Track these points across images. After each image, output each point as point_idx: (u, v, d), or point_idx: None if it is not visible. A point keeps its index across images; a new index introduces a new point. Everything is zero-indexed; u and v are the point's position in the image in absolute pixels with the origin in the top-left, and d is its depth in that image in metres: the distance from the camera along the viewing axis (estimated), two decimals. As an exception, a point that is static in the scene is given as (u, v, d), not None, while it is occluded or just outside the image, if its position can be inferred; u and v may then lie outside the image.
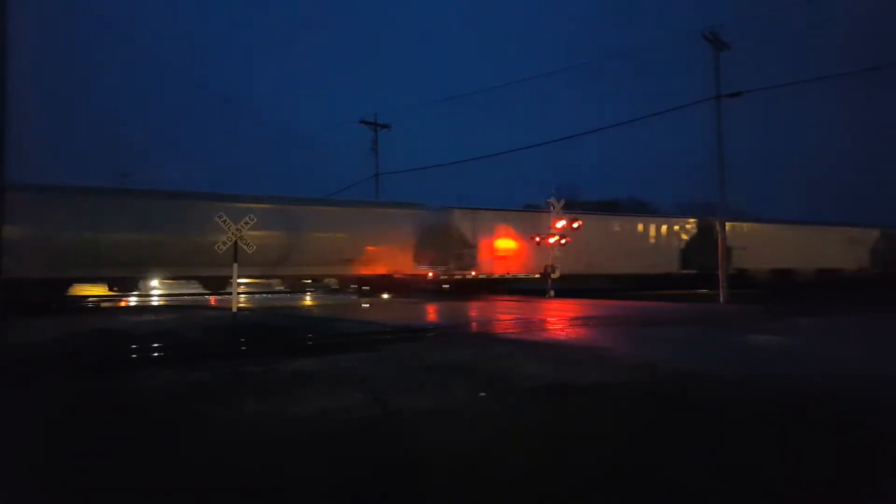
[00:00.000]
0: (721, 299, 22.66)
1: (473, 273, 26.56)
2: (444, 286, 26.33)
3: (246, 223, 15.38)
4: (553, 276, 26.27)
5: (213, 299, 23.40)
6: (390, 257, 24.45)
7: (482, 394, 6.69)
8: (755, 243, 32.02)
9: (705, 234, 30.47)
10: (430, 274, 25.84)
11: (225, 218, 15.30)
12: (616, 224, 31.10)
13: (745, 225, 32.73)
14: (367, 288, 25.22)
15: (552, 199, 26.60)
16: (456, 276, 26.35)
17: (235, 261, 15.46)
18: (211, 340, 11.19)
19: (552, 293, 25.73)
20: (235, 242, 15.18)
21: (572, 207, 28.13)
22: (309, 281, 26.94)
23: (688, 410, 6.06)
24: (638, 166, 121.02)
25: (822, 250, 35.28)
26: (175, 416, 5.94)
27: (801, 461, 4.50)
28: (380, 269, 24.48)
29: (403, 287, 25.19)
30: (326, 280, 26.00)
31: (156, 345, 10.25)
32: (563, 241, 26.09)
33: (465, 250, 26.45)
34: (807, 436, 5.17)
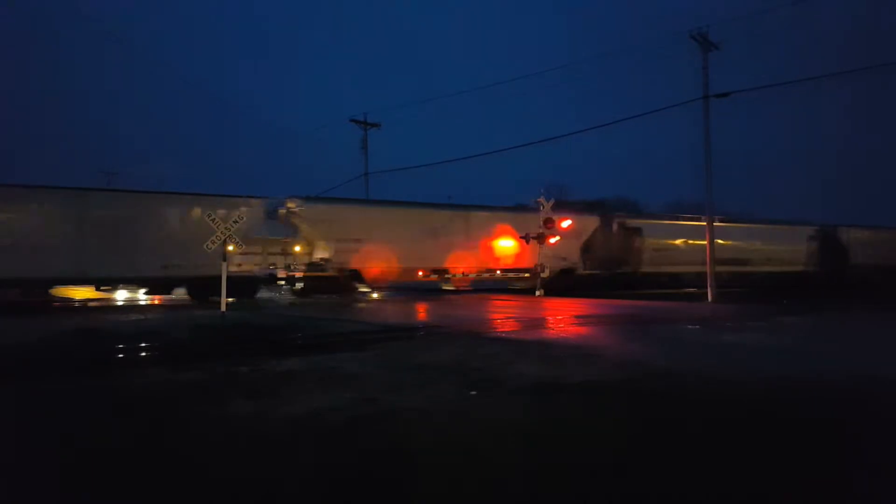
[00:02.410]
0: (709, 298, 22.82)
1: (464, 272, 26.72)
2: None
3: (235, 222, 15.34)
4: (543, 274, 26.42)
5: None
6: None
7: (473, 392, 6.72)
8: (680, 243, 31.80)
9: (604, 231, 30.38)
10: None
11: (214, 216, 15.26)
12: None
13: (670, 223, 32.66)
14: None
15: (542, 199, 26.70)
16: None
17: (224, 259, 15.41)
18: (199, 340, 11.14)
19: (541, 292, 25.84)
20: (224, 241, 15.13)
21: (560, 207, 28.21)
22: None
23: (673, 408, 6.11)
24: (626, 166, 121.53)
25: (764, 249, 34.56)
26: (164, 416, 5.92)
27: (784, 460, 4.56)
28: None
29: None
30: None
31: (144, 344, 10.19)
32: (552, 241, 26.23)
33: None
34: (791, 434, 5.24)
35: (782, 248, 35.39)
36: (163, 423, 5.63)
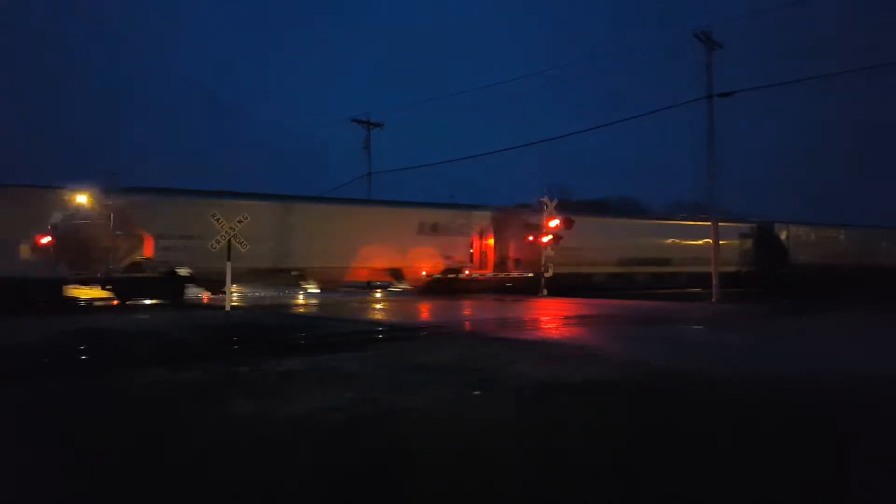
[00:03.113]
0: (713, 298, 22.76)
1: (468, 272, 26.54)
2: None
3: (240, 221, 15.37)
4: (546, 274, 26.34)
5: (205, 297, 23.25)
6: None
7: (476, 392, 6.71)
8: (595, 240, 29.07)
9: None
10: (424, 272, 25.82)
11: (218, 216, 15.29)
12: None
13: (592, 220, 29.97)
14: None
15: (545, 199, 26.65)
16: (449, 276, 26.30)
17: (228, 259, 15.44)
18: (204, 339, 11.16)
19: (545, 292, 25.79)
20: (229, 241, 15.17)
21: (564, 207, 28.08)
22: None
23: (674, 407, 6.09)
24: (629, 165, 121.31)
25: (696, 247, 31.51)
26: (167, 415, 5.93)
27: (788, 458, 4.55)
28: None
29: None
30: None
31: (148, 343, 10.22)
32: (555, 240, 26.17)
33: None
34: (789, 432, 5.22)
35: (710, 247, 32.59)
36: (166, 423, 5.65)
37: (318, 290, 25.27)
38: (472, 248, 26.23)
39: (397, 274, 25.13)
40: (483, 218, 26.71)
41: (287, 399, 6.38)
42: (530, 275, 27.18)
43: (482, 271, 26.63)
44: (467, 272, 26.29)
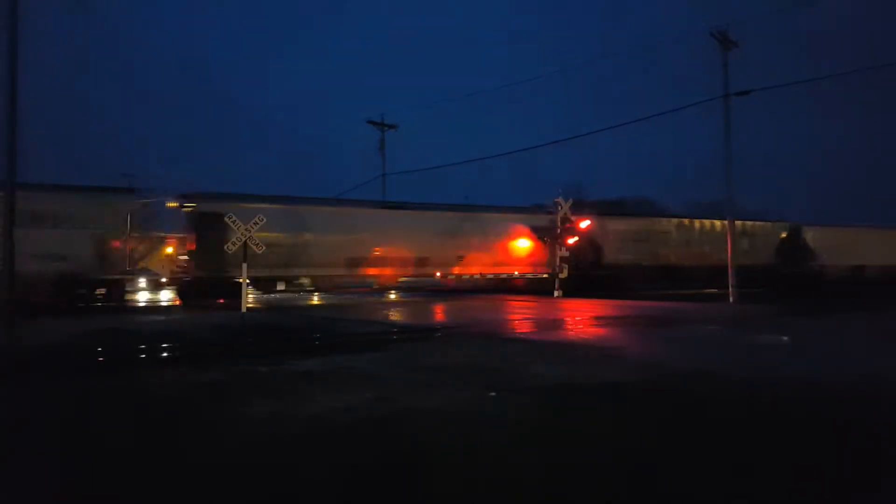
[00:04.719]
0: (731, 299, 22.54)
1: (479, 273, 26.60)
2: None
3: (255, 224, 15.47)
4: (561, 275, 26.25)
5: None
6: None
7: (492, 393, 6.71)
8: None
9: None
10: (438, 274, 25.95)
11: (234, 218, 15.42)
12: None
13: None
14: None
15: (559, 199, 26.57)
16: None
17: (245, 261, 15.55)
18: (221, 340, 11.27)
19: (560, 293, 25.71)
20: (245, 243, 15.27)
21: (580, 207, 27.97)
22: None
23: (695, 410, 6.05)
24: (646, 165, 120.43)
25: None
26: (188, 414, 6.00)
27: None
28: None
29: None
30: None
31: (167, 345, 10.33)
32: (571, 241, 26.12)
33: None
34: (806, 433, 5.17)
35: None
36: (183, 421, 5.72)
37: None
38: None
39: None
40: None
41: (307, 398, 6.44)
42: (545, 276, 27.21)
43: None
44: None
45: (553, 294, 25.64)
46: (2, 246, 10.23)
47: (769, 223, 35.93)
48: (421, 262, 25.40)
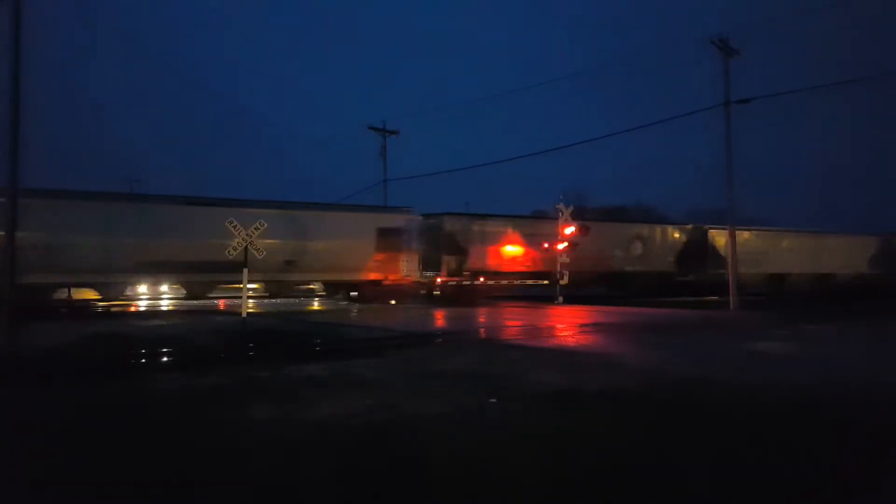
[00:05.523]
0: (731, 306, 22.53)
1: (482, 279, 26.52)
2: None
3: (256, 229, 15.49)
4: (561, 281, 26.19)
5: (222, 303, 23.47)
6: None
7: (493, 400, 6.71)
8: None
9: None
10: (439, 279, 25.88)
11: (235, 223, 15.43)
12: None
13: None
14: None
15: (560, 206, 26.57)
16: (450, 283, 26.21)
17: (245, 266, 15.56)
18: (222, 346, 11.27)
19: (560, 299, 25.66)
20: (246, 247, 15.29)
21: (580, 214, 27.92)
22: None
23: (693, 416, 6.06)
24: (646, 172, 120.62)
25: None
26: (189, 420, 6.01)
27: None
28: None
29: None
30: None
31: (167, 349, 10.33)
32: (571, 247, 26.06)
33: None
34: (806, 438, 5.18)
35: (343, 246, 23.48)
36: (193, 427, 5.72)
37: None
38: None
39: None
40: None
41: (310, 404, 6.44)
42: (545, 282, 27.18)
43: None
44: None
45: (554, 301, 25.60)
46: (4, 248, 10.27)
47: (668, 226, 33.45)
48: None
